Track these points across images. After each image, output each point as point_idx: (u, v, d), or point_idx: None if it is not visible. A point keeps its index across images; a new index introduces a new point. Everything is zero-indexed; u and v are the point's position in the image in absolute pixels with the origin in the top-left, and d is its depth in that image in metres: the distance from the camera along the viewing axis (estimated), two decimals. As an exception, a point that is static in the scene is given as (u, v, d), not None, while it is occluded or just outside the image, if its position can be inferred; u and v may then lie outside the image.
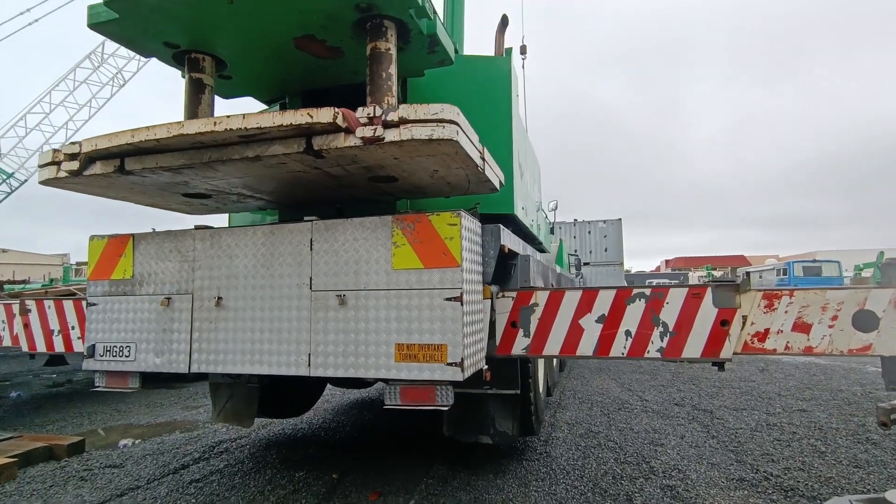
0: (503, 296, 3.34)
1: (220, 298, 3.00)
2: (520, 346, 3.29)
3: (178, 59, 3.43)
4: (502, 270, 3.68)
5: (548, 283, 5.12)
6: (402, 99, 4.02)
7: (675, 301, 3.03)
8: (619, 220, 23.32)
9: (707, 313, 2.96)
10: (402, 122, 2.33)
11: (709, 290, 2.98)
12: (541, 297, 3.28)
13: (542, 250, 7.00)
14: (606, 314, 3.14)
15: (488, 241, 3.14)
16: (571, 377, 8.27)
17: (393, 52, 3.09)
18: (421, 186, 3.30)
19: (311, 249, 2.88)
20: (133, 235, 3.30)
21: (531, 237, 5.48)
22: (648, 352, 3.04)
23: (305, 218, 2.97)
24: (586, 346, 3.16)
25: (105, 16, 2.96)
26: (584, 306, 3.19)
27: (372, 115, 2.36)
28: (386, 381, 2.70)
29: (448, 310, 2.60)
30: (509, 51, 4.30)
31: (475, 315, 2.82)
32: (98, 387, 3.25)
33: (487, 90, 4.06)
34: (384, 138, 2.35)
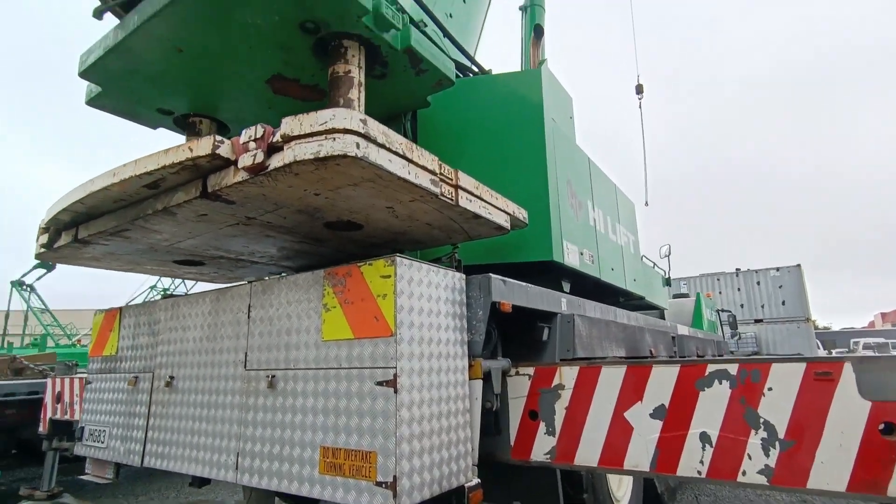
0: (517, 373, 2.38)
1: (171, 378, 2.60)
2: (542, 448, 2.26)
3: (179, 124, 3.38)
4: (528, 337, 2.73)
5: (643, 353, 3.87)
6: (413, 136, 3.47)
7: (783, 386, 1.77)
8: (798, 266, 19.33)
9: (849, 410, 1.66)
10: (286, 140, 1.73)
11: (846, 366, 1.68)
12: (568, 376, 2.25)
13: (648, 306, 5.60)
14: (667, 405, 1.99)
15: (475, 297, 2.27)
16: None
17: (355, 74, 2.58)
18: (404, 233, 2.61)
19: (248, 318, 2.34)
20: (121, 308, 3.15)
21: (611, 290, 4.30)
22: (744, 473, 1.80)
23: (247, 279, 2.47)
24: (638, 454, 2.02)
25: (94, 90, 3.01)
26: (631, 391, 2.08)
27: (254, 136, 1.81)
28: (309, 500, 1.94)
29: (379, 400, 1.79)
30: (542, 63, 3.52)
31: (433, 406, 1.93)
32: (87, 473, 3.02)
33: (514, 110, 3.31)
34: (268, 165, 1.77)
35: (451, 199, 2.15)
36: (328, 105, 2.59)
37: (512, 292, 2.40)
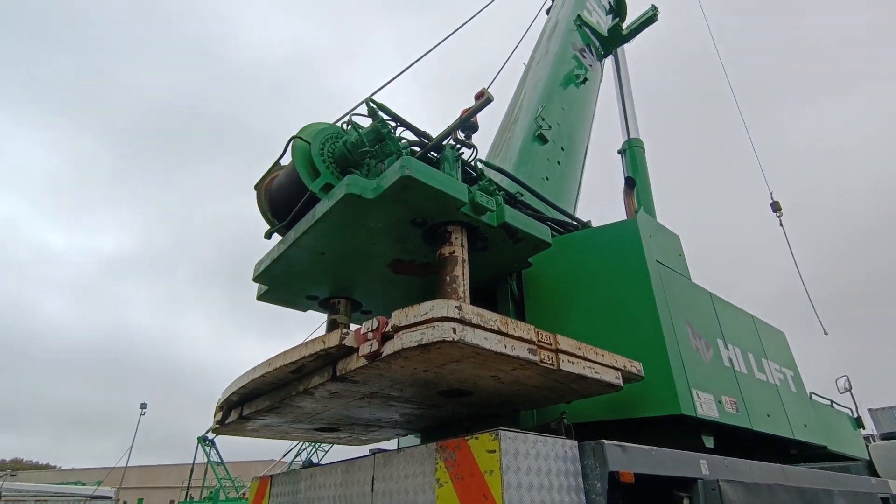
0: (655, 557, 2.11)
1: (308, 552, 2.75)
2: None
3: (323, 306, 4.02)
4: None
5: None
6: (519, 293, 3.67)
7: None
8: None
9: None
10: (396, 330, 2.02)
11: None
12: (716, 565, 1.94)
13: (842, 458, 4.56)
14: None
15: (591, 466, 2.16)
16: None
17: (459, 253, 2.95)
18: (514, 395, 2.67)
19: (372, 491, 2.48)
20: (271, 477, 3.50)
21: (774, 443, 3.65)
22: None
23: (370, 449, 2.66)
24: None
25: (262, 289, 3.78)
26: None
27: (371, 328, 2.13)
28: None
29: (492, 591, 1.72)
30: (637, 211, 3.63)
31: None
32: None
33: (616, 261, 3.38)
34: (382, 352, 2.05)
35: (552, 364, 2.22)
36: (437, 285, 2.95)
37: (632, 459, 2.24)
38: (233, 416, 3.19)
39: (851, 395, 5.76)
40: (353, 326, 4.05)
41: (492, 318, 2.06)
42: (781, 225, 9.29)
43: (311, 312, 4.20)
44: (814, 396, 4.65)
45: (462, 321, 1.94)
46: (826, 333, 8.20)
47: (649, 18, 7.68)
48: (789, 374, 4.22)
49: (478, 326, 1.99)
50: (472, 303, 2.97)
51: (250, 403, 3.01)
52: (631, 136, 7.32)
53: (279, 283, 3.62)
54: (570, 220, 4.18)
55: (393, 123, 3.28)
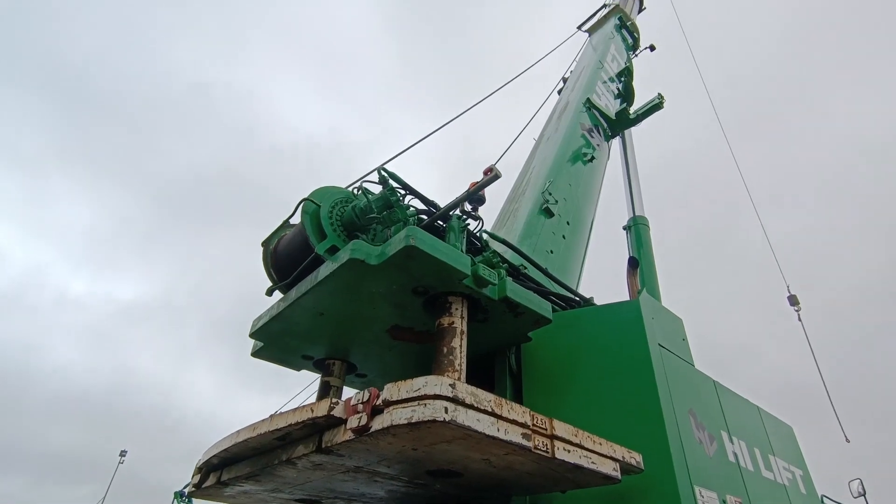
0: None
1: None
2: None
3: (318, 366, 3.94)
4: None
5: None
6: (518, 368, 3.59)
7: None
8: None
9: None
10: (387, 404, 1.97)
11: None
12: None
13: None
14: None
15: (585, 569, 2.01)
16: None
17: (458, 324, 2.92)
18: (505, 479, 2.54)
19: (348, 576, 2.31)
20: (244, 548, 3.28)
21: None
22: None
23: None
24: None
25: (258, 346, 3.73)
26: None
27: (362, 399, 2.08)
28: None
29: None
30: (640, 292, 3.61)
31: None
32: None
33: (617, 342, 3.32)
34: (371, 427, 1.98)
35: (547, 452, 2.12)
36: (434, 352, 2.90)
37: (629, 563, 2.09)
38: (211, 479, 3.04)
39: (865, 499, 5.40)
40: (346, 390, 3.97)
41: (486, 398, 2.01)
42: (800, 320, 9.06)
43: (306, 372, 4.11)
44: (825, 500, 4.38)
45: (455, 400, 1.89)
46: (848, 441, 7.54)
47: (656, 105, 8.04)
48: (798, 473, 4.00)
49: (471, 406, 1.93)
50: (469, 375, 2.91)
51: (230, 468, 2.88)
52: (636, 214, 7.45)
53: (275, 341, 3.58)
54: (572, 296, 4.16)
55: (402, 192, 3.36)
